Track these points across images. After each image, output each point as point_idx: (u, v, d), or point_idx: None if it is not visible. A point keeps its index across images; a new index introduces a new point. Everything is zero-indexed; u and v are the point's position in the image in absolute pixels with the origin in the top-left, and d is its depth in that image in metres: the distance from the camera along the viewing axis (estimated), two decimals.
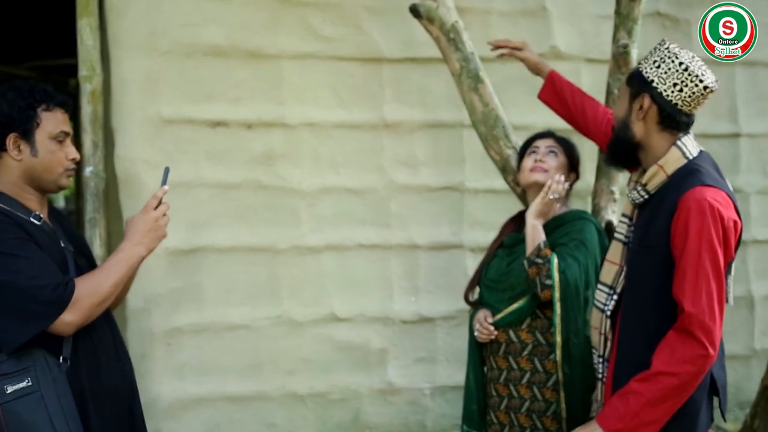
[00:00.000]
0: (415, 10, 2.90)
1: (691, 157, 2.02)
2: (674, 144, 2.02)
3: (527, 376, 2.46)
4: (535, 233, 2.44)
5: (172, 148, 3.34)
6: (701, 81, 1.97)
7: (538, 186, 2.51)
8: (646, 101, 2.02)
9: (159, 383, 3.31)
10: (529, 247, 2.44)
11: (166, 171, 2.11)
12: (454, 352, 3.65)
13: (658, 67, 2.01)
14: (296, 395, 3.50)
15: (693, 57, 2.02)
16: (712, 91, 1.99)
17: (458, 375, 3.63)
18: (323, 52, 3.52)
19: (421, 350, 3.66)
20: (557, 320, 2.38)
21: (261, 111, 3.45)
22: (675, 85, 1.98)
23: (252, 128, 3.44)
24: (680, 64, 1.98)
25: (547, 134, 2.63)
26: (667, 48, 2.02)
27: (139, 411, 2.15)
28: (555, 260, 2.38)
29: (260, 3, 3.42)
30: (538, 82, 3.74)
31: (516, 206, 2.91)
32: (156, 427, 3.29)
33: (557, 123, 3.52)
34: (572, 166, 2.59)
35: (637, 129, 2.06)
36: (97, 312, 1.93)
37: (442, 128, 3.67)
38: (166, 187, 2.08)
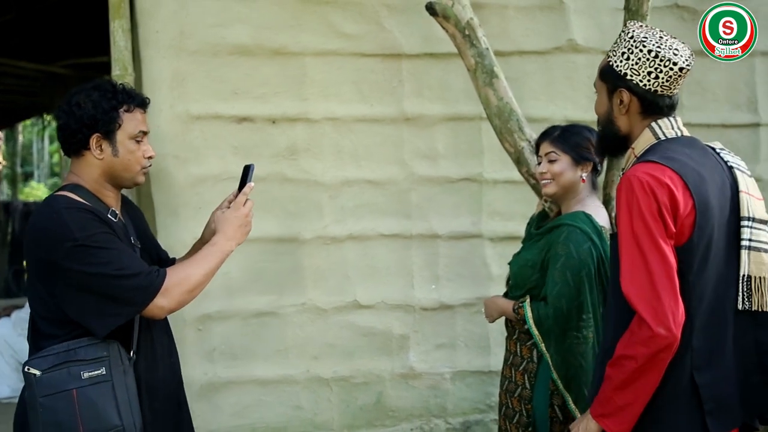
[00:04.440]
0: (431, 8, 2.93)
1: (663, 138, 1.95)
2: (648, 126, 1.97)
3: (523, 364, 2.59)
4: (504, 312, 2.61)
5: (200, 143, 3.42)
6: (675, 64, 1.90)
7: (554, 197, 2.58)
8: (625, 96, 1.96)
9: (191, 367, 3.40)
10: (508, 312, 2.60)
11: (251, 168, 2.18)
12: (474, 338, 3.70)
13: (628, 59, 1.94)
14: (321, 379, 3.57)
15: (660, 38, 1.94)
16: (688, 70, 1.93)
17: (477, 360, 3.71)
18: (345, 49, 3.56)
19: (441, 336, 3.69)
20: (549, 360, 2.47)
21: (285, 107, 3.51)
22: (650, 73, 1.92)
23: (276, 123, 3.50)
24: (649, 51, 1.91)
25: (545, 136, 2.59)
26: (632, 37, 1.94)
27: (186, 404, 2.24)
28: (529, 316, 2.48)
29: (283, 3, 3.47)
30: (557, 74, 3.79)
31: (534, 197, 2.95)
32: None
33: (575, 115, 3.60)
34: (580, 158, 2.52)
35: (622, 123, 2.00)
36: (188, 299, 2.01)
37: (461, 121, 3.69)
38: (252, 184, 2.16)
